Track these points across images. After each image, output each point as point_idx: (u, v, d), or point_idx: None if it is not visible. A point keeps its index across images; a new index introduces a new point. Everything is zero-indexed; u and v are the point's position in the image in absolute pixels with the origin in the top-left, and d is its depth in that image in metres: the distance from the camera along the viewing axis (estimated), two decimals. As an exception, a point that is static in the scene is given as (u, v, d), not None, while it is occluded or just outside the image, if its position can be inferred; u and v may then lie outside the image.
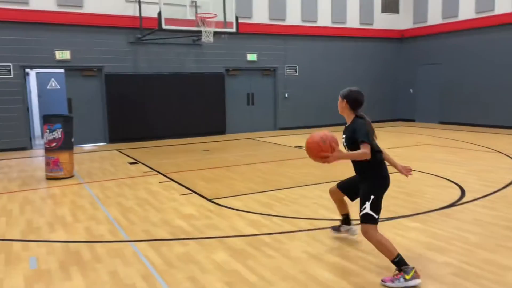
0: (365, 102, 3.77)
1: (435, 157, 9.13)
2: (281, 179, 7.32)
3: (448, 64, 15.50)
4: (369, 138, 3.54)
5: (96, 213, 5.57)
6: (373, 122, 3.81)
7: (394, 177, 7.06)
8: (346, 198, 4.28)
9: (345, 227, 4.39)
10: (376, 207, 3.53)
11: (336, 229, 4.45)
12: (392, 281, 3.33)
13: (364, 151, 3.47)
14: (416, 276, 3.32)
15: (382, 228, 4.58)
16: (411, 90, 17.10)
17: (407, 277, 3.29)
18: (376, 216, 3.52)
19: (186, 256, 4.06)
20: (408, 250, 4.05)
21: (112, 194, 6.55)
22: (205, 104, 13.50)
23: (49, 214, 5.57)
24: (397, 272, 3.36)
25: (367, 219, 3.51)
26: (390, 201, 5.71)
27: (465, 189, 6.28)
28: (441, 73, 15.82)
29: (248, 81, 14.70)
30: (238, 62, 14.29)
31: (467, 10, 14.75)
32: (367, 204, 3.50)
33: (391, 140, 12.07)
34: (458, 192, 6.14)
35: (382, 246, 3.43)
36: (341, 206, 4.33)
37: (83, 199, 6.27)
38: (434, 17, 15.88)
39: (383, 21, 16.77)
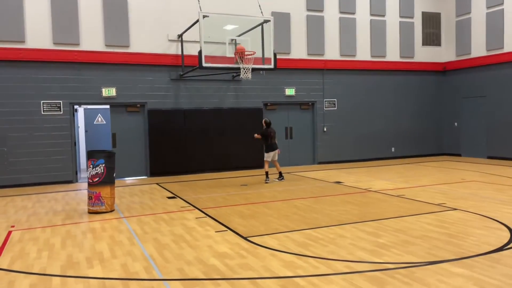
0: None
1: (482, 195, 8.70)
2: (318, 217, 7.17)
3: (495, 96, 14.97)
4: None
5: (133, 249, 5.64)
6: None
7: (437, 216, 6.83)
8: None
9: None
10: None
11: None
12: None
13: None
14: None
15: (423, 273, 4.37)
16: (455, 124, 16.57)
17: None
18: None
19: (218, 297, 4.00)
20: (451, 299, 3.81)
21: (150, 229, 6.64)
22: (243, 138, 13.63)
23: (88, 249, 5.70)
24: None
25: None
26: (432, 243, 5.45)
27: (515, 231, 5.92)
28: (488, 106, 15.28)
29: (286, 115, 14.77)
30: (276, 97, 14.44)
31: (513, 42, 14.34)
32: None
33: (435, 175, 11.64)
34: (507, 235, 5.78)
35: None
36: None
37: (121, 234, 6.39)
38: (478, 49, 15.50)
39: (424, 54, 16.55)
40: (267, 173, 11.21)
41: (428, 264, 4.72)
